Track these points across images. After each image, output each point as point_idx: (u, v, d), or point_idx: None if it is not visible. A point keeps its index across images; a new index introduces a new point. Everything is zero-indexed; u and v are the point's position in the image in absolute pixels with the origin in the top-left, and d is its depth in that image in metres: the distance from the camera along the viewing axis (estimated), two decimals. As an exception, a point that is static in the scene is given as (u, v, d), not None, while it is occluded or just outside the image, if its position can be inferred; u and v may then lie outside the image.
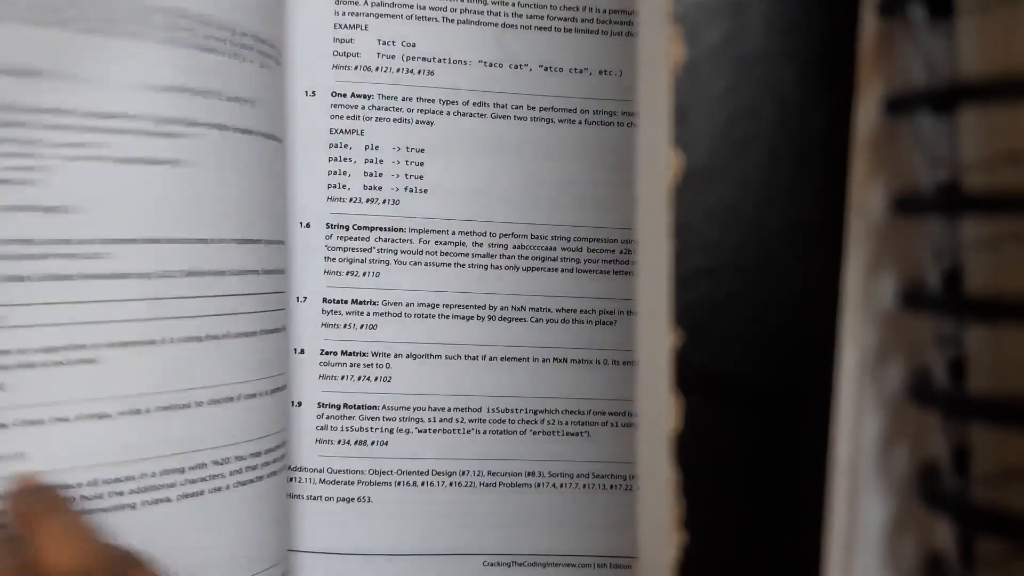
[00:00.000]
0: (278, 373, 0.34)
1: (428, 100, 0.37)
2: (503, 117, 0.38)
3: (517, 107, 0.38)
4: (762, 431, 0.20)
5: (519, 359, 0.38)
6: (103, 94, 0.27)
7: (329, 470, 0.37)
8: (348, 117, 0.37)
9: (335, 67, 0.37)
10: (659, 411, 0.20)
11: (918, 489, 0.19)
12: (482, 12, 0.37)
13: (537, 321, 0.38)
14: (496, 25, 0.37)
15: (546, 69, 0.38)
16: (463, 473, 0.37)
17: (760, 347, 0.20)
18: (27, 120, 0.26)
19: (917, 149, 0.19)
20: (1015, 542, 0.17)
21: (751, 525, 0.20)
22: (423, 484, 0.37)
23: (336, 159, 0.37)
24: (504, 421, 0.38)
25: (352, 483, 0.37)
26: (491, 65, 0.38)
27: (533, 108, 0.38)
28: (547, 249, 0.38)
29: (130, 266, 0.27)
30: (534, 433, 0.38)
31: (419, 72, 0.38)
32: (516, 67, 0.38)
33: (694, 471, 0.20)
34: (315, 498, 0.36)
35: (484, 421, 0.37)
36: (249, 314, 0.31)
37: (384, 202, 0.37)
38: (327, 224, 0.37)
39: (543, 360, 0.38)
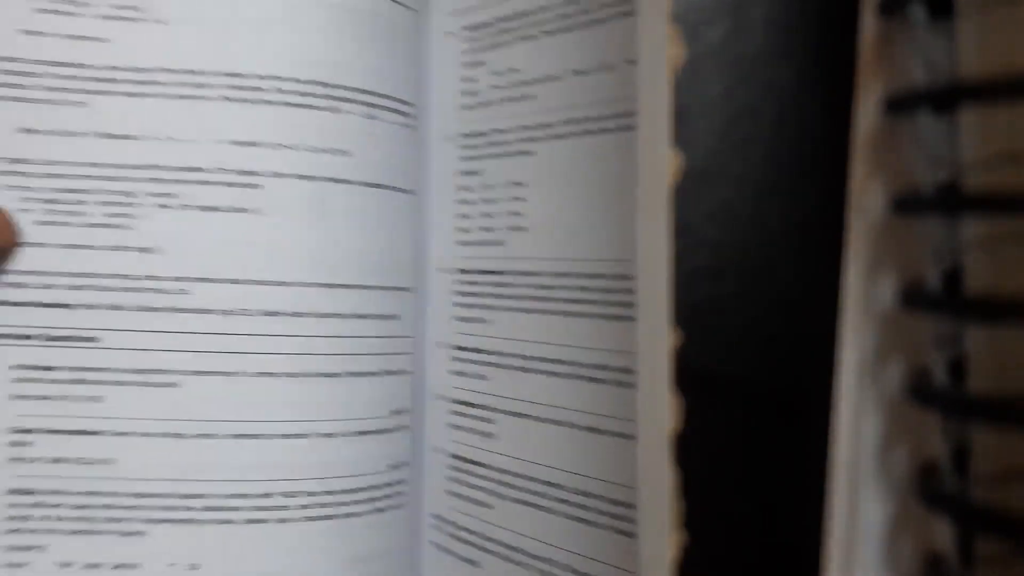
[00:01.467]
0: (368, 417, 0.33)
1: (528, 127, 0.33)
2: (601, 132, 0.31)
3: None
4: (762, 431, 0.20)
5: None
6: (190, 150, 0.31)
7: (454, 524, 0.34)
8: (472, 158, 0.35)
9: (463, 108, 0.35)
10: (659, 411, 0.20)
11: (918, 489, 0.19)
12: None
13: None
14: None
15: None
16: (546, 560, 0.32)
17: (760, 347, 0.20)
18: (125, 175, 0.30)
19: (917, 149, 0.19)
20: (1015, 542, 0.17)
21: (751, 525, 0.20)
22: (520, 564, 0.32)
23: (463, 202, 0.35)
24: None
25: (468, 543, 0.34)
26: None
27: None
28: None
29: (210, 302, 0.31)
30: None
31: (522, 98, 0.33)
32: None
33: (694, 471, 0.20)
34: (443, 549, 0.34)
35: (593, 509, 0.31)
36: (329, 356, 0.32)
37: (493, 244, 0.34)
38: (457, 269, 0.35)
39: None
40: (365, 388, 0.33)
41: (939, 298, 0.19)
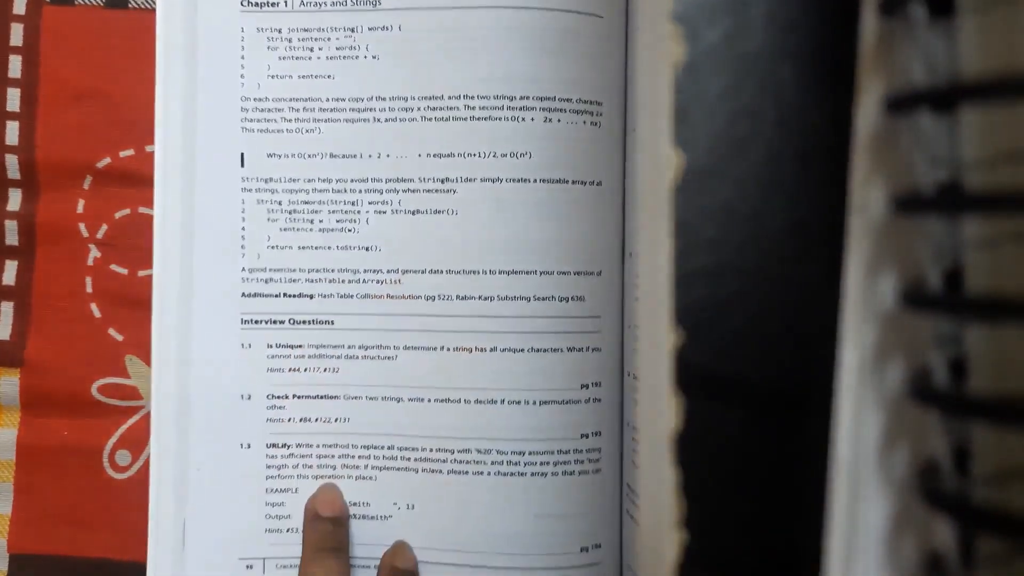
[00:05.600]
0: (554, 388, 0.37)
1: None
2: None
3: None
4: (762, 431, 0.20)
5: None
6: (399, 164, 0.37)
7: (636, 494, 0.37)
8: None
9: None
10: (659, 411, 0.20)
11: (918, 489, 0.19)
12: None
13: None
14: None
15: None
16: None
17: (760, 347, 0.20)
18: (349, 187, 0.37)
19: (917, 149, 0.19)
20: (1015, 542, 0.17)
21: (751, 525, 0.20)
22: None
23: None
24: None
25: None
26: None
27: None
28: None
29: (417, 289, 0.37)
30: None
31: None
32: None
33: (694, 471, 0.20)
34: (632, 517, 0.36)
35: None
36: (515, 333, 0.36)
37: None
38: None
39: None
40: (550, 362, 0.37)
41: (939, 298, 0.19)
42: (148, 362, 0.38)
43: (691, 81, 0.20)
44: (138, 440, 0.38)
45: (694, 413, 0.20)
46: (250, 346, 0.38)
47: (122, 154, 0.38)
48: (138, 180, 0.38)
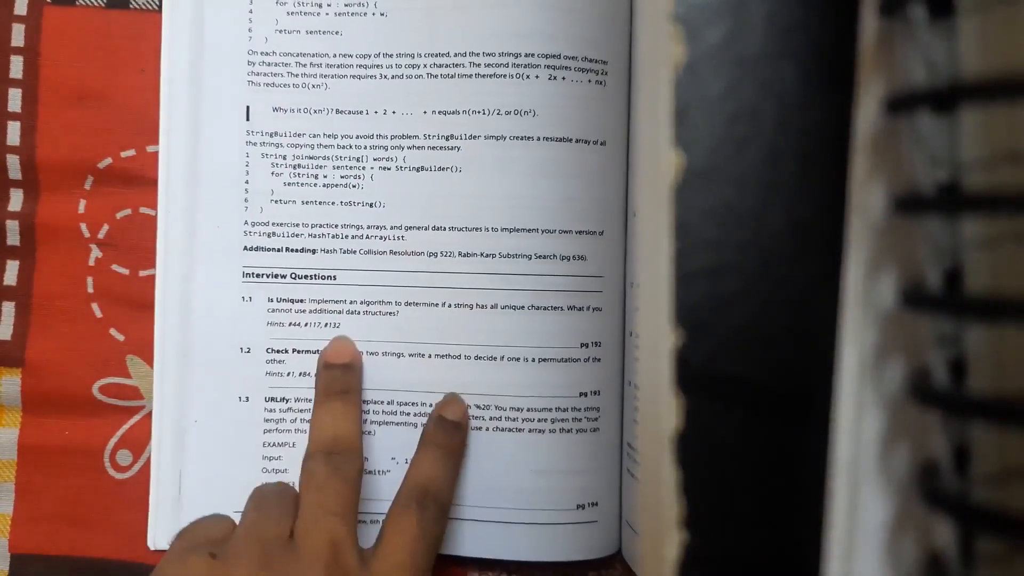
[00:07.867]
0: (553, 346, 0.37)
1: None
2: None
3: None
4: (762, 431, 0.20)
5: None
6: (404, 121, 0.38)
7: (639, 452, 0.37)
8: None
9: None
10: (659, 411, 0.20)
11: (918, 489, 0.19)
12: None
13: None
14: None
15: None
16: None
17: (760, 347, 0.20)
18: (355, 143, 0.38)
19: (917, 149, 0.19)
20: (1015, 542, 0.17)
21: (751, 525, 0.20)
22: None
23: None
24: None
25: None
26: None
27: None
28: None
29: (419, 246, 0.37)
30: None
31: None
32: None
33: (694, 471, 0.20)
34: (632, 475, 0.35)
35: None
36: (515, 291, 0.37)
37: None
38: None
39: None
40: (551, 321, 0.37)
41: (939, 298, 0.19)
42: (149, 362, 0.38)
43: (691, 81, 0.20)
44: (139, 440, 0.38)
45: (694, 413, 0.20)
46: (251, 299, 0.38)
47: (123, 154, 0.38)
48: (140, 180, 0.38)
